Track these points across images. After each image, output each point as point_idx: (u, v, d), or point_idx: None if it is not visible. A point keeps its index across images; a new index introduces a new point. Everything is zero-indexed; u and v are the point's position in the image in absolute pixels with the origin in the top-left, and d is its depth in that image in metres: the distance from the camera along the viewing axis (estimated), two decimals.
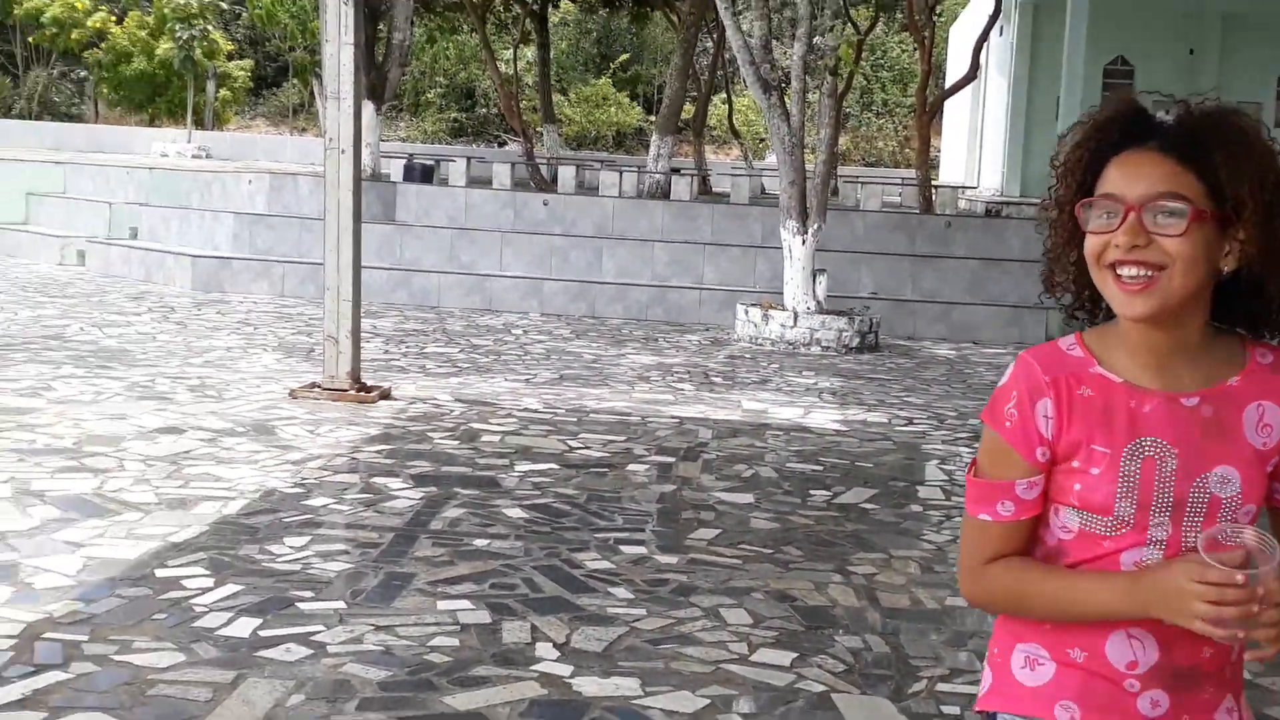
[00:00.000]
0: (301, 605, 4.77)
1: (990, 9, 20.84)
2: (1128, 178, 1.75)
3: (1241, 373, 1.80)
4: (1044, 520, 1.86)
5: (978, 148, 27.70)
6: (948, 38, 32.20)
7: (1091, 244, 1.77)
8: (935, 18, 23.80)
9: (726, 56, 26.05)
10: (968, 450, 8.26)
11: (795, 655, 4.53)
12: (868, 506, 6.67)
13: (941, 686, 4.32)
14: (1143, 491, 1.76)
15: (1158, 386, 1.78)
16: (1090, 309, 1.87)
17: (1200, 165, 1.72)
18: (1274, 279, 1.78)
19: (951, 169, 32.48)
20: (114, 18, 43.80)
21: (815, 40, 13.35)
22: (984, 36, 20.59)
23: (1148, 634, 1.78)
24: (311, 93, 40.35)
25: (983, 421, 1.85)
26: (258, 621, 4.58)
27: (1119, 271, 1.74)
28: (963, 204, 20.93)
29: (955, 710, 4.13)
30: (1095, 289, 1.81)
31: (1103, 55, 21.84)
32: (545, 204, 16.45)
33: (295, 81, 48.46)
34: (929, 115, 20.46)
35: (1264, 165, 1.75)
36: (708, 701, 4.09)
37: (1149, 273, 1.72)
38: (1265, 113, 21.98)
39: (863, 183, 19.11)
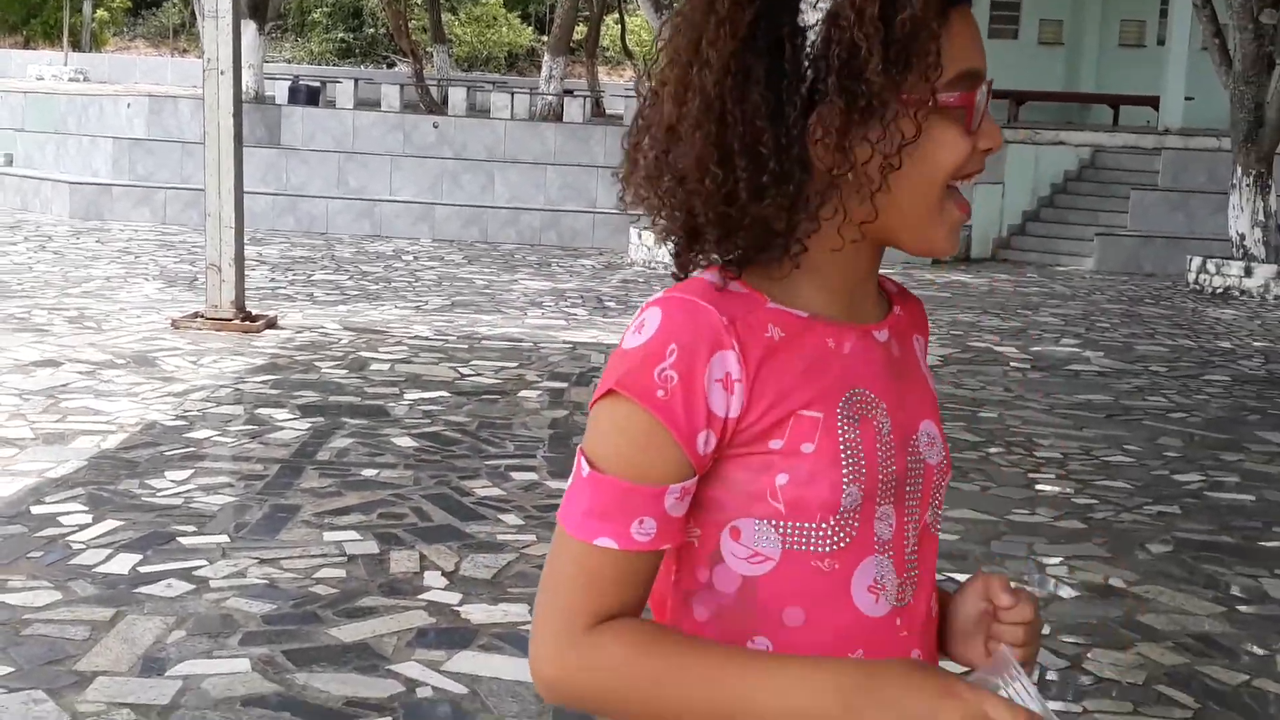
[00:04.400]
0: (183, 540, 4.68)
1: None
2: (980, 47, 1.20)
3: (893, 298, 1.31)
4: (710, 554, 1.19)
5: None
6: None
7: (959, 151, 1.18)
8: None
9: None
10: None
11: None
12: None
13: None
14: (869, 470, 1.18)
15: (846, 318, 1.23)
16: (745, 243, 1.19)
17: None
18: None
19: None
20: None
21: None
22: None
23: None
24: (192, 12, 39.19)
25: (614, 391, 1.13)
26: (137, 558, 4.49)
27: (958, 185, 1.21)
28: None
29: None
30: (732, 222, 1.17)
31: None
32: (435, 126, 16.20)
33: (175, 1, 47.01)
34: None
35: None
36: None
37: None
38: (1149, 31, 22.29)
39: None
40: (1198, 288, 13.22)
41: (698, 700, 1.10)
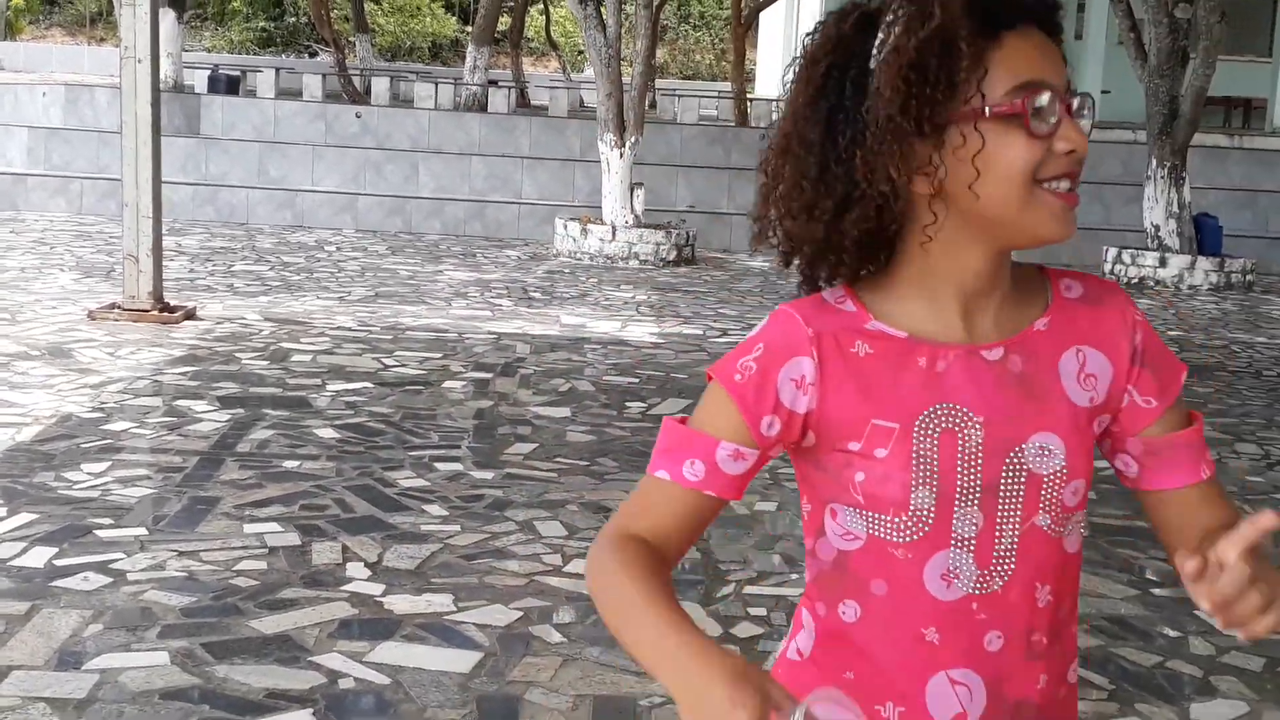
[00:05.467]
0: (100, 533, 4.61)
1: None
2: (1046, 61, 1.33)
3: (1047, 311, 1.40)
4: (817, 527, 1.42)
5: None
6: None
7: (1028, 154, 1.30)
8: None
9: None
10: None
11: None
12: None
13: (749, 589, 4.40)
14: (943, 477, 1.34)
15: (954, 339, 1.37)
16: (839, 262, 1.39)
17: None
18: None
19: (767, 82, 32.72)
20: None
21: None
22: None
23: (972, 674, 1.38)
24: (110, 1, 38.46)
25: (709, 378, 1.40)
26: (53, 551, 4.41)
27: (1056, 185, 1.32)
28: (777, 117, 21.10)
29: (762, 611, 4.22)
30: (853, 234, 1.35)
31: None
32: (358, 116, 16.06)
33: None
34: (744, 27, 20.54)
35: None
36: (520, 614, 4.09)
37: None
38: (1067, 25, 22.59)
39: (680, 96, 19.12)
40: (1114, 278, 13.44)
41: (618, 628, 1.32)
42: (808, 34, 1.42)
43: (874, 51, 1.33)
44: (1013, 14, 1.32)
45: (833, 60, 1.36)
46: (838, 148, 1.34)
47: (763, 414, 1.35)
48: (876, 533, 1.36)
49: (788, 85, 1.41)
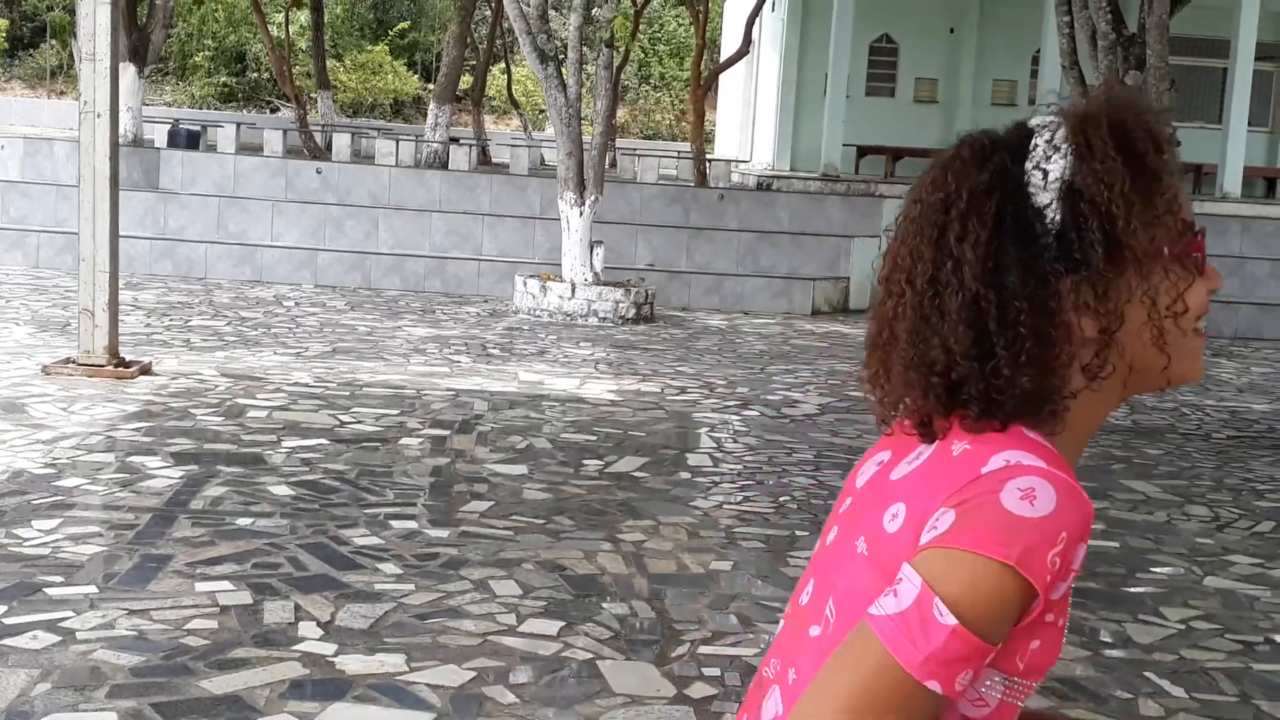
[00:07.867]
0: (50, 591, 4.57)
1: None
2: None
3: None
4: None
5: (751, 122, 28.20)
6: (723, 12, 32.64)
7: (1205, 295, 1.30)
8: None
9: (505, 26, 25.84)
10: (737, 419, 8.42)
11: (563, 624, 4.55)
12: (639, 475, 6.74)
13: (704, 649, 4.40)
14: None
15: None
16: (1065, 409, 1.33)
17: None
18: None
19: (726, 143, 33.04)
20: None
21: (592, 11, 13.34)
22: (756, 11, 20.94)
23: None
24: (71, 54, 38.38)
25: (1007, 565, 1.22)
26: (2, 609, 4.36)
27: (1199, 325, 1.31)
28: (736, 177, 21.29)
29: (716, 671, 4.22)
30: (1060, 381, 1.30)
31: (869, 32, 22.45)
32: (319, 172, 16.07)
33: (53, 42, 46.07)
34: (704, 89, 20.76)
35: None
36: (474, 674, 4.08)
37: None
38: (1020, 91, 22.97)
39: (640, 155, 19.24)
40: None
41: None
42: (945, 169, 1.33)
43: (1035, 186, 1.26)
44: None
45: (1001, 198, 1.27)
46: (1043, 293, 1.25)
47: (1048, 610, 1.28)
48: (1010, 699, 1.31)
49: (911, 233, 1.32)
